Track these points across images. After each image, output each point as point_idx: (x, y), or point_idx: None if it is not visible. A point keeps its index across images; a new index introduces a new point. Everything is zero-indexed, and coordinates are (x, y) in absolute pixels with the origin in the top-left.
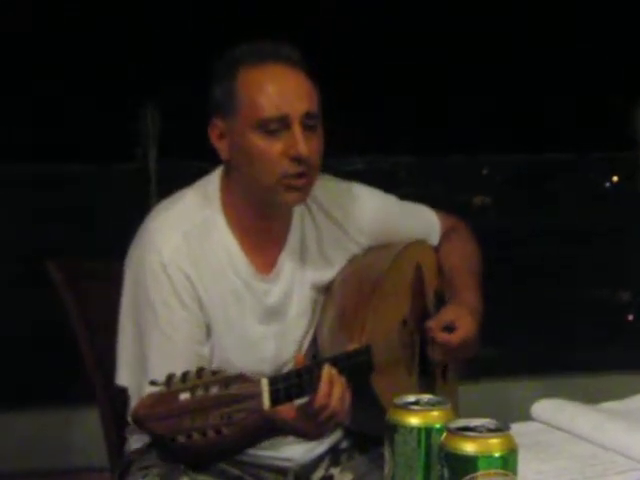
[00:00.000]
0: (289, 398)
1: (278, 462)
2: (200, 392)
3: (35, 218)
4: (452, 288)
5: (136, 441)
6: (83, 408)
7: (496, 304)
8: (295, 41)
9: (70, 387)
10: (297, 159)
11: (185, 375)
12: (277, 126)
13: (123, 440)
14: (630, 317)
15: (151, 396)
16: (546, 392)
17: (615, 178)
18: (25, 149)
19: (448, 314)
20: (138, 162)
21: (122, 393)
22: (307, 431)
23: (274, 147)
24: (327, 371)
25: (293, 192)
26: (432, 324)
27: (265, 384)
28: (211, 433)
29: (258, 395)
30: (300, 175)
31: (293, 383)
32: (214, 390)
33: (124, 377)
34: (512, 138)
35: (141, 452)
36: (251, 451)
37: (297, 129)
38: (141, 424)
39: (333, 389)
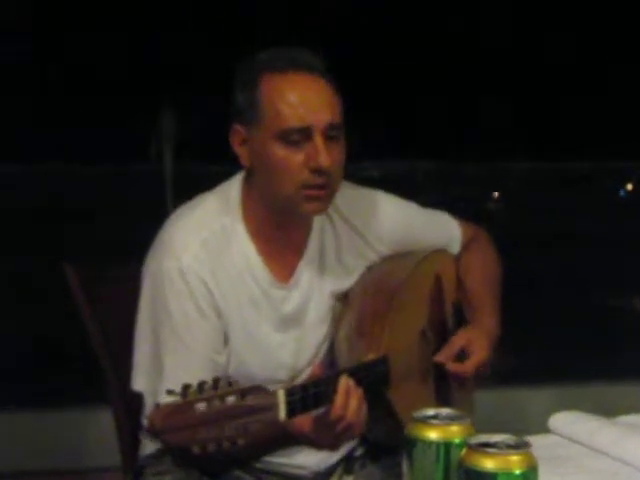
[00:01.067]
0: (305, 409)
1: (292, 469)
2: (216, 403)
3: (49, 219)
4: (470, 307)
5: (150, 444)
6: (97, 409)
7: (512, 311)
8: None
9: (85, 388)
10: (318, 171)
11: (201, 385)
12: (299, 137)
13: (136, 442)
14: None
15: (167, 407)
16: (562, 400)
17: (630, 186)
18: (40, 150)
19: (459, 341)
20: (154, 164)
21: (137, 397)
22: (322, 442)
23: (295, 157)
24: (344, 382)
25: (313, 202)
26: (442, 358)
27: (281, 395)
28: (226, 444)
29: (274, 406)
30: (321, 186)
31: (310, 394)
32: (230, 401)
33: (140, 382)
34: (528, 146)
35: (155, 457)
36: (265, 458)
37: (319, 140)
38: (157, 436)
39: (349, 401)
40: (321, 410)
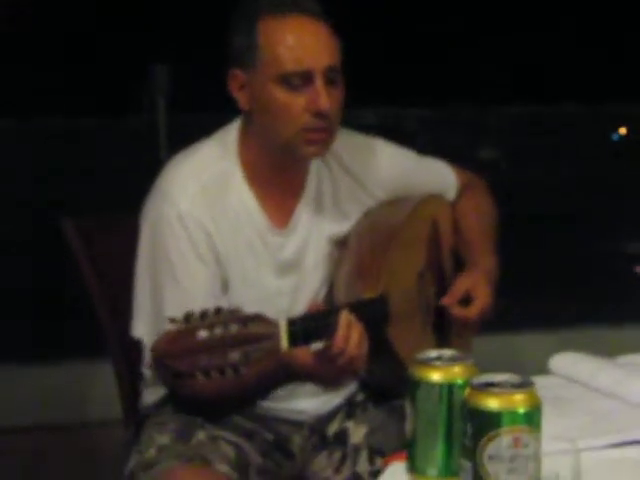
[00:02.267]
0: (307, 340)
1: (293, 415)
2: (218, 330)
3: (46, 172)
4: (468, 251)
5: (150, 394)
6: (97, 361)
7: (509, 257)
8: None
9: (84, 340)
10: (319, 114)
11: (204, 313)
12: (299, 80)
13: (137, 394)
14: None
15: (169, 333)
16: (560, 345)
17: (623, 130)
18: (34, 103)
19: (463, 284)
20: (148, 115)
21: (136, 345)
22: (325, 377)
23: (296, 101)
24: (345, 315)
25: (313, 145)
26: (448, 300)
27: (283, 325)
28: (229, 372)
29: (276, 335)
30: (322, 129)
31: (311, 325)
32: (232, 328)
33: (140, 328)
34: (521, 89)
35: (156, 406)
36: (266, 404)
37: (320, 84)
38: (160, 361)
39: (351, 334)
40: (322, 343)
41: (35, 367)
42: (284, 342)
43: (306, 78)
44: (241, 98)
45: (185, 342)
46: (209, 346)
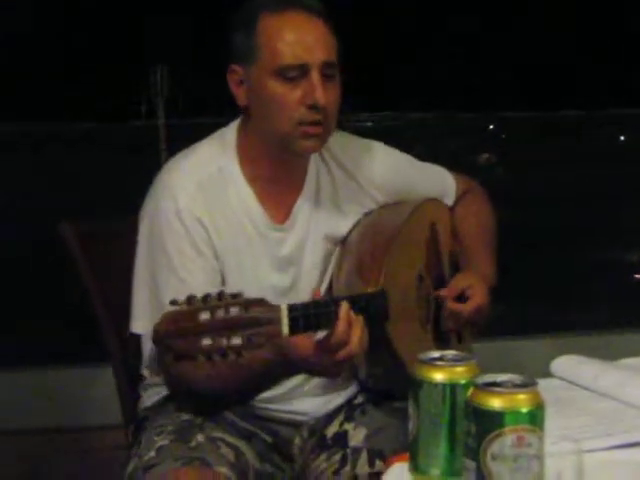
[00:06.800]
0: (307, 328)
1: (293, 416)
2: (220, 313)
3: (45, 177)
4: (466, 254)
5: (149, 397)
6: (97, 366)
7: (508, 263)
8: None
9: (84, 345)
10: (314, 107)
11: (206, 297)
12: (296, 74)
13: (137, 398)
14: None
15: (171, 313)
16: (559, 350)
17: (622, 137)
18: (35, 107)
19: (460, 282)
20: (149, 119)
21: (136, 349)
22: (323, 368)
23: (292, 94)
24: (345, 308)
25: (309, 139)
26: (445, 292)
27: (285, 310)
28: (231, 355)
29: (277, 320)
30: (317, 123)
31: (311, 313)
32: (234, 312)
33: (139, 324)
34: (521, 95)
35: (155, 409)
36: (265, 405)
37: (315, 77)
38: (162, 340)
39: (352, 329)
40: (322, 334)
41: (35, 371)
42: (285, 327)
43: (302, 72)
44: (239, 93)
45: (187, 323)
46: (211, 328)
